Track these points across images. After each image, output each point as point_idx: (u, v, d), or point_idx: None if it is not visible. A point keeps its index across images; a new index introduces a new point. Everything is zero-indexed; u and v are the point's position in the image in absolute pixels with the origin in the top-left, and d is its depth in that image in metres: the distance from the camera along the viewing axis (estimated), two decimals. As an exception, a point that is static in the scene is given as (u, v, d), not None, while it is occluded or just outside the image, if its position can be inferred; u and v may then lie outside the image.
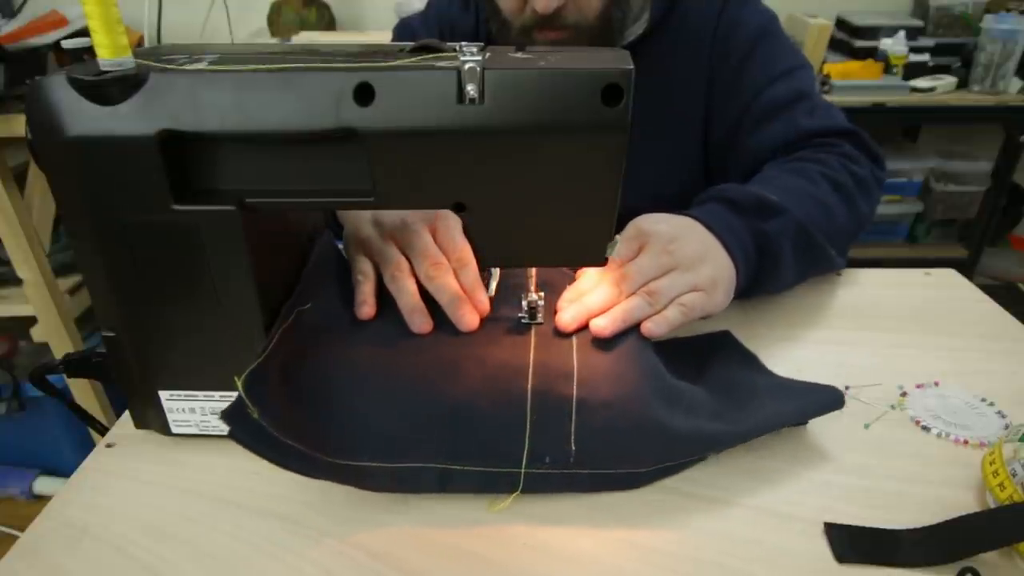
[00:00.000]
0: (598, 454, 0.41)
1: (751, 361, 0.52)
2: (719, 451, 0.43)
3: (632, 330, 0.49)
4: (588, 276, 0.53)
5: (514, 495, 0.41)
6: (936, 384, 0.51)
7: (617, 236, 0.45)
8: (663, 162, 0.80)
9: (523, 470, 0.40)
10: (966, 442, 0.46)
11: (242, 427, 0.37)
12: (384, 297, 0.52)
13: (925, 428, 0.47)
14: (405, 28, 0.88)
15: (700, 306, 0.52)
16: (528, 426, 0.42)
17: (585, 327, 0.49)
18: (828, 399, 0.45)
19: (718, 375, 0.50)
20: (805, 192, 0.63)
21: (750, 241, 0.57)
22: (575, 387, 0.43)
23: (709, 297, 0.53)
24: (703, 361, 0.52)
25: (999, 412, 0.48)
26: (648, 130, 0.77)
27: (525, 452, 0.41)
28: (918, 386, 0.51)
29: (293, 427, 0.39)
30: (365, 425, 0.42)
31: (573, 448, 0.41)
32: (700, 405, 0.45)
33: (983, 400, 0.49)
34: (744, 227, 0.57)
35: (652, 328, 0.49)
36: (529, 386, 0.43)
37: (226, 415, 0.37)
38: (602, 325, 0.49)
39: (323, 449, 0.40)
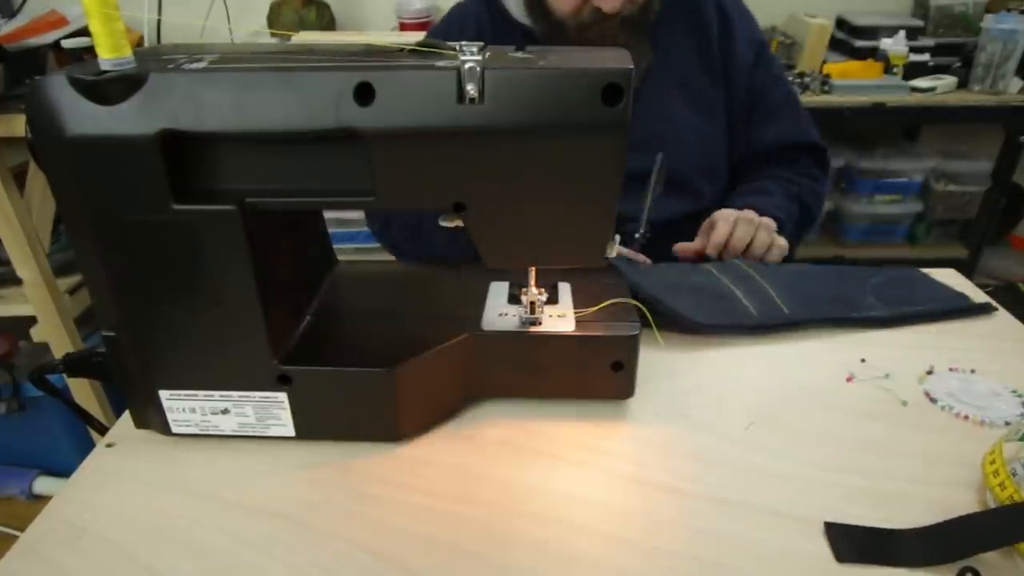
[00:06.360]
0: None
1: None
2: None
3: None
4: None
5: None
6: (972, 372, 0.51)
7: (617, 236, 0.45)
8: (706, 128, 0.86)
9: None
10: (966, 417, 0.45)
11: None
12: None
13: (932, 400, 0.46)
14: (460, 10, 0.88)
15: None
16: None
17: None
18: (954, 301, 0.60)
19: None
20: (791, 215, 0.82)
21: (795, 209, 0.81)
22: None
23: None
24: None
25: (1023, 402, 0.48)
26: (688, 97, 0.84)
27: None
28: (951, 368, 0.51)
29: None
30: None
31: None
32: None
33: (1013, 391, 0.49)
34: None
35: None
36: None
37: None
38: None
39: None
